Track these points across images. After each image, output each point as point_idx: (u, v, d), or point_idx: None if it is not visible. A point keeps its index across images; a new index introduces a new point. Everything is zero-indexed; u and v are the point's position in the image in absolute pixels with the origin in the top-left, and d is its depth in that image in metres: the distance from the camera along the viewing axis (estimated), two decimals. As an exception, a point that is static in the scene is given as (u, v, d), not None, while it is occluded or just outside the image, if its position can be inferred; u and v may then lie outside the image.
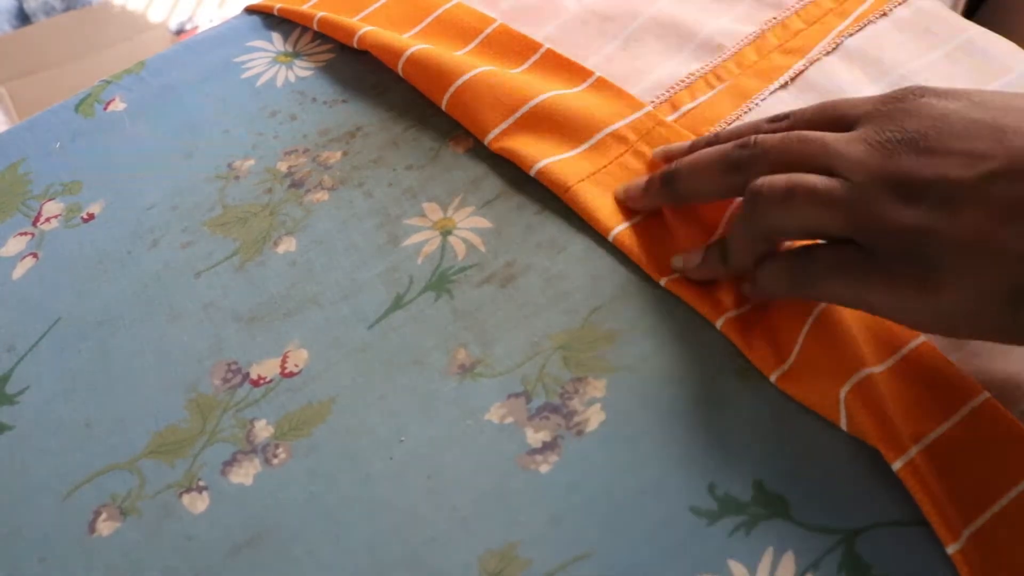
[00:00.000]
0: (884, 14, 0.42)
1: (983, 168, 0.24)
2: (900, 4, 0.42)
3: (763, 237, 0.29)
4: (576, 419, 0.30)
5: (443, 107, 0.40)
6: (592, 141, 0.37)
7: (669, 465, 0.29)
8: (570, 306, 0.33)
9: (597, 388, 0.31)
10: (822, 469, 0.28)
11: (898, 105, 0.27)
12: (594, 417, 0.30)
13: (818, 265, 0.28)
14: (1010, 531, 0.26)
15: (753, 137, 0.30)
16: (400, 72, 0.41)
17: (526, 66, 0.41)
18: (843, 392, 0.28)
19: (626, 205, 0.35)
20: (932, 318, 0.26)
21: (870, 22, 0.42)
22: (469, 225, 0.36)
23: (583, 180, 0.36)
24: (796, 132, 0.29)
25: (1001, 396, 0.28)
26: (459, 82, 0.39)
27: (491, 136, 0.38)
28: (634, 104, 0.38)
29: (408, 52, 0.41)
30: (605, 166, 0.36)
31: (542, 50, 0.41)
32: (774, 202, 0.28)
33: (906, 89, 0.28)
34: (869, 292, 0.27)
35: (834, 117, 0.29)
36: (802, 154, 0.28)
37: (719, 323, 0.31)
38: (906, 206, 0.25)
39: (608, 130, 0.37)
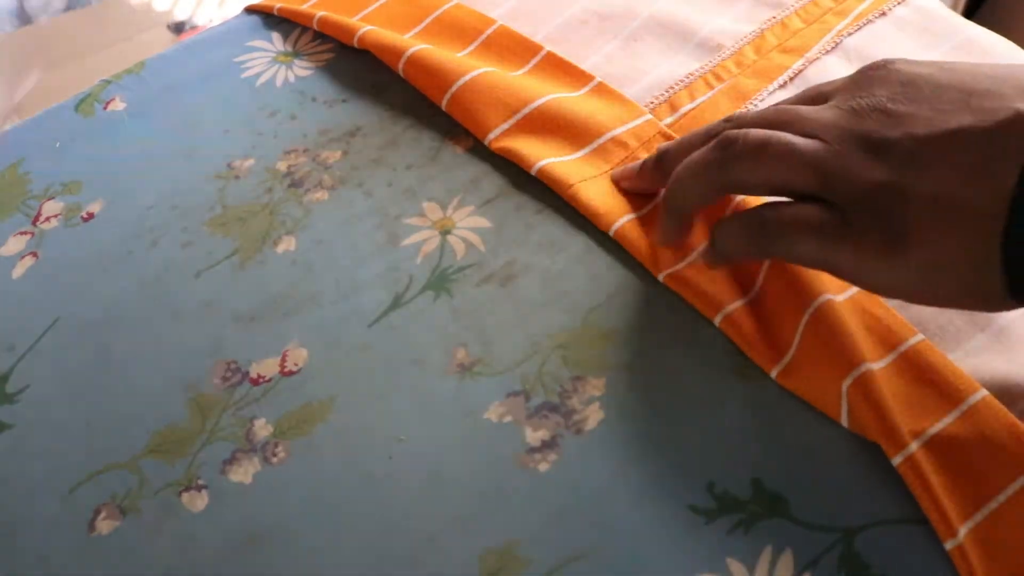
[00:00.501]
0: (883, 13, 0.42)
1: (949, 126, 0.25)
2: (899, 3, 0.42)
3: (721, 187, 0.29)
4: (575, 418, 0.30)
5: (443, 107, 0.40)
6: (593, 145, 0.37)
7: (668, 463, 0.29)
8: (569, 305, 0.33)
9: (596, 387, 0.31)
10: (821, 467, 0.28)
11: (869, 74, 0.28)
12: (593, 416, 0.30)
13: (782, 223, 0.27)
14: (1008, 528, 0.26)
15: (735, 112, 0.30)
16: (400, 72, 0.41)
17: (527, 68, 0.41)
18: (845, 385, 0.28)
19: (621, 185, 0.36)
20: (898, 281, 0.26)
21: (869, 21, 0.42)
22: (469, 225, 0.36)
23: (585, 180, 0.36)
24: (773, 106, 0.30)
25: (1000, 395, 0.28)
26: (460, 82, 0.39)
27: (492, 136, 0.38)
28: (635, 110, 0.38)
29: (408, 52, 0.41)
30: (607, 171, 0.37)
31: (543, 52, 0.41)
32: (745, 153, 0.27)
33: (878, 61, 0.28)
34: (836, 252, 0.26)
35: (813, 96, 0.30)
36: (778, 122, 0.28)
37: (717, 319, 0.31)
38: (875, 163, 0.25)
39: (609, 135, 0.37)
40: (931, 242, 0.25)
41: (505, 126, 0.38)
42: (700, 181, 0.29)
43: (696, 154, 0.29)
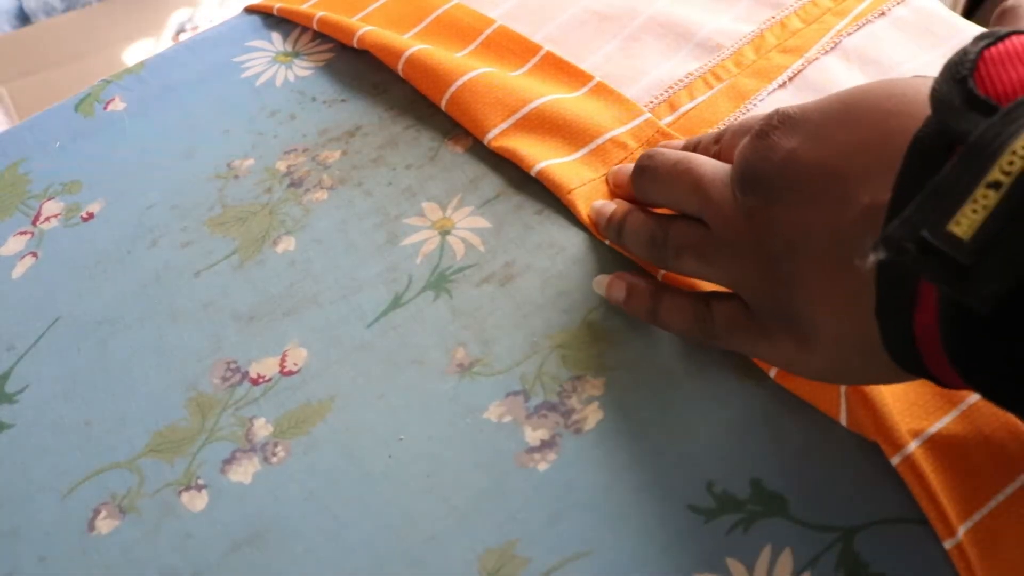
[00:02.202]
0: (883, 13, 0.42)
1: (816, 229, 0.24)
2: (899, 3, 0.42)
3: (662, 264, 0.31)
4: (574, 417, 0.30)
5: (442, 107, 0.40)
6: (592, 146, 0.37)
7: (667, 463, 0.29)
8: (568, 305, 0.33)
9: (595, 386, 0.31)
10: (820, 467, 0.28)
11: (758, 144, 0.26)
12: (592, 415, 0.30)
13: (717, 323, 0.29)
14: (1007, 527, 0.26)
15: (655, 152, 0.31)
16: (400, 72, 0.41)
17: (526, 68, 0.41)
18: (843, 387, 0.28)
19: (613, 192, 0.36)
20: (816, 375, 0.27)
21: (868, 21, 0.42)
22: (468, 225, 0.36)
23: (584, 185, 0.36)
24: (685, 159, 0.30)
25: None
26: (459, 82, 0.39)
27: (491, 135, 0.38)
28: (634, 110, 0.38)
29: (408, 52, 0.41)
30: (605, 174, 0.37)
31: (542, 52, 0.41)
32: (669, 255, 0.30)
33: (770, 116, 0.27)
34: (758, 350, 0.28)
35: (730, 145, 0.31)
36: (682, 185, 0.29)
37: None
38: (767, 277, 0.26)
39: (608, 135, 0.37)
40: (830, 348, 0.25)
41: (504, 126, 0.38)
42: (642, 253, 0.32)
43: (638, 222, 0.32)
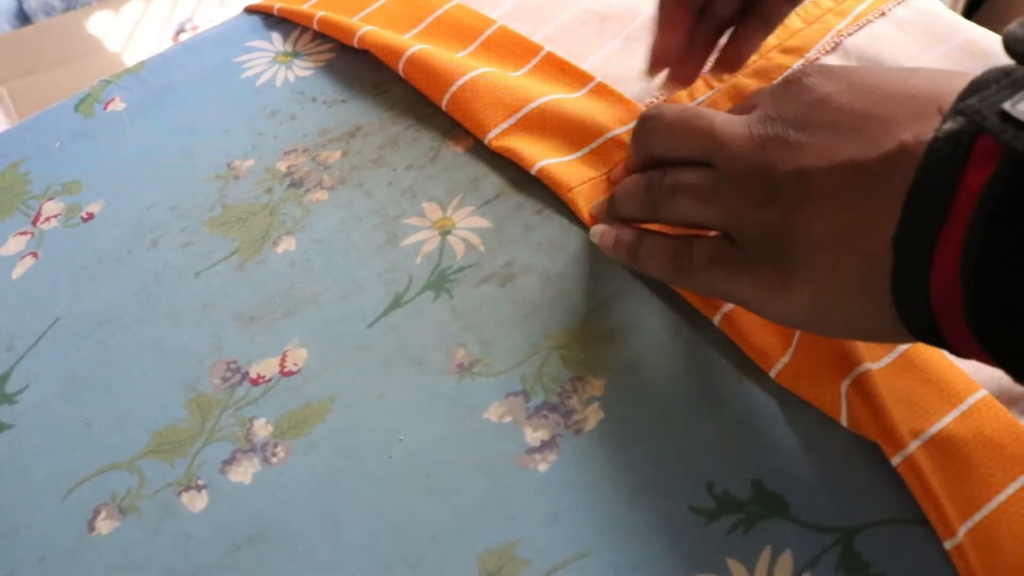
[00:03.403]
0: (883, 14, 0.42)
1: (836, 159, 0.24)
2: (899, 3, 0.42)
3: (653, 216, 0.31)
4: (575, 418, 0.30)
5: (443, 107, 0.40)
6: (593, 146, 0.37)
7: (667, 464, 0.29)
8: (569, 305, 0.33)
9: (595, 387, 0.31)
10: (820, 467, 0.28)
11: (788, 87, 0.27)
12: (592, 416, 0.30)
13: (695, 258, 0.29)
14: (1007, 527, 0.26)
15: (660, 105, 0.31)
16: (400, 72, 0.41)
17: (527, 69, 0.41)
18: (844, 386, 0.28)
19: (614, 191, 0.36)
20: (791, 314, 0.26)
21: (869, 21, 0.42)
22: (468, 225, 0.36)
23: (584, 183, 0.36)
24: (692, 108, 0.30)
25: (1000, 395, 0.28)
26: (460, 82, 0.39)
27: (492, 135, 0.38)
28: (634, 110, 0.38)
29: (408, 52, 0.41)
30: (605, 173, 0.37)
31: (542, 53, 0.41)
32: (663, 196, 0.29)
33: (803, 67, 0.28)
34: (737, 287, 0.27)
35: (747, 108, 0.30)
36: (691, 130, 0.29)
37: (716, 318, 0.31)
38: (768, 204, 0.26)
39: (609, 135, 0.37)
40: (818, 281, 0.25)
41: (505, 125, 0.38)
42: (633, 205, 0.31)
43: (630, 181, 0.32)
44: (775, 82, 0.29)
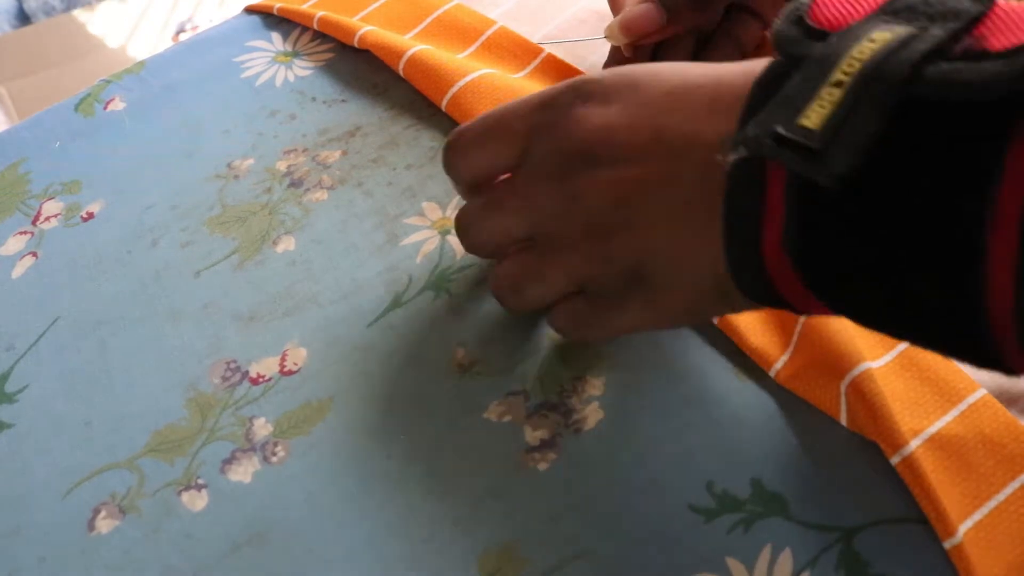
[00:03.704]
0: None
1: (653, 183, 0.25)
2: (898, 3, 0.42)
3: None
4: (574, 417, 0.30)
5: (443, 107, 0.40)
6: None
7: (667, 463, 0.29)
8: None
9: (595, 386, 0.31)
10: (820, 466, 0.28)
11: (564, 123, 0.27)
12: (592, 415, 0.30)
13: (560, 323, 0.30)
14: (1007, 527, 0.26)
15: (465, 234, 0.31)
16: (401, 72, 0.41)
17: (527, 71, 0.41)
18: (843, 385, 0.28)
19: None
20: (669, 321, 0.29)
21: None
22: (468, 224, 0.36)
23: None
24: (492, 203, 0.30)
25: (999, 394, 0.28)
26: (461, 83, 0.39)
27: None
28: None
29: (409, 52, 0.41)
30: None
31: (543, 55, 0.42)
32: (508, 293, 0.31)
33: (564, 95, 0.28)
34: (611, 325, 0.29)
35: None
36: (501, 220, 0.30)
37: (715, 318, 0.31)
38: (608, 256, 0.27)
39: None
40: (680, 291, 0.27)
41: None
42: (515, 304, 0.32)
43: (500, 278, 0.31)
44: (540, 103, 0.29)
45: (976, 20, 0.20)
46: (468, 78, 0.39)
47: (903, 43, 0.20)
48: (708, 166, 0.24)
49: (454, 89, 0.39)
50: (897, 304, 0.21)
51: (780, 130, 0.21)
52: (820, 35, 0.22)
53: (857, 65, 0.20)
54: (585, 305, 0.29)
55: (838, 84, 0.20)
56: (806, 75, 0.21)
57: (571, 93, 0.28)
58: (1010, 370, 0.20)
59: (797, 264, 0.22)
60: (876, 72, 0.20)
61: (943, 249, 0.19)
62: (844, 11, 0.22)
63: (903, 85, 0.19)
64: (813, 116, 0.20)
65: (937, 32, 0.20)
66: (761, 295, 0.24)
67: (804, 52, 0.22)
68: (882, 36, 0.20)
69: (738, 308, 0.27)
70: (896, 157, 0.20)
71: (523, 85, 0.40)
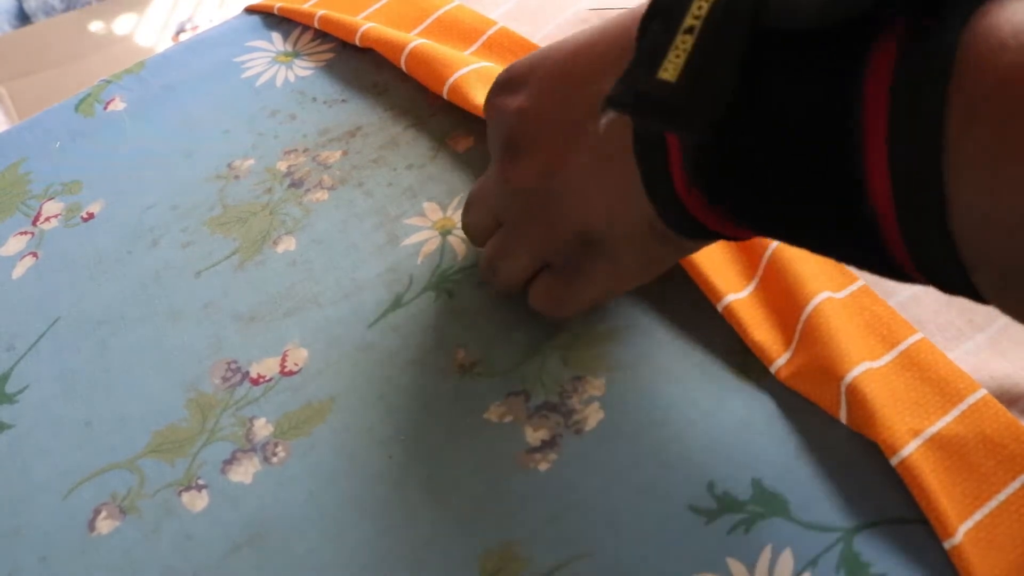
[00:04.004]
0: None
1: (575, 155, 0.27)
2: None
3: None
4: (575, 417, 0.30)
5: (444, 95, 0.39)
6: None
7: (668, 463, 0.29)
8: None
9: (596, 387, 0.31)
10: (821, 467, 0.28)
11: (490, 113, 0.30)
12: (593, 416, 0.30)
13: (538, 302, 0.31)
14: (1007, 527, 0.26)
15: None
16: (402, 66, 0.41)
17: None
18: (843, 385, 0.28)
19: None
20: (633, 278, 0.29)
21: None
22: (468, 224, 0.36)
23: None
24: (468, 210, 0.33)
25: (999, 394, 0.28)
26: (462, 71, 0.39)
27: None
28: None
29: (410, 46, 0.41)
30: None
31: None
32: (493, 279, 0.32)
33: (494, 85, 0.30)
34: (584, 295, 0.30)
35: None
36: (477, 217, 0.32)
37: (720, 306, 0.31)
38: (549, 210, 0.28)
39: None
40: (625, 241, 0.27)
41: None
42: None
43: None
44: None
45: None
46: (470, 67, 0.39)
47: None
48: (614, 124, 0.24)
49: (455, 76, 0.39)
50: (801, 217, 0.21)
51: (639, 86, 0.21)
52: None
53: (706, 6, 0.20)
54: (555, 281, 0.30)
55: (690, 30, 0.20)
56: (662, 22, 0.21)
57: (494, 87, 0.30)
58: (900, 270, 0.20)
59: (708, 196, 0.23)
60: (723, 13, 0.20)
61: (826, 158, 0.19)
62: None
63: (751, 23, 0.19)
64: (670, 68, 0.20)
65: None
66: (691, 230, 0.25)
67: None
68: None
69: (686, 249, 0.28)
70: (765, 84, 0.20)
71: None
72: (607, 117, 0.22)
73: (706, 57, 0.20)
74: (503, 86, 0.29)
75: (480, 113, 0.38)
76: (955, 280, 0.19)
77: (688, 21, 0.20)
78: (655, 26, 0.21)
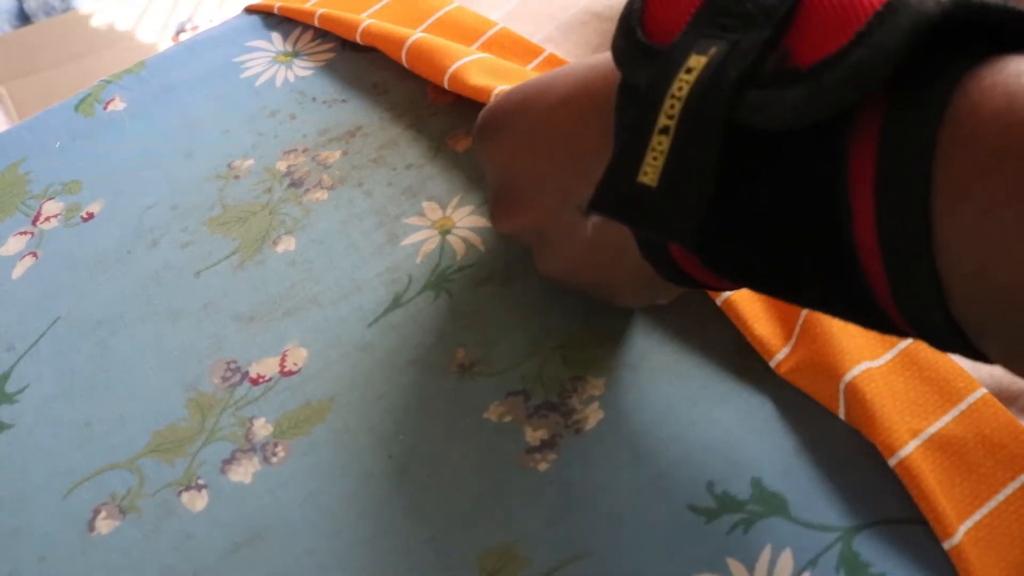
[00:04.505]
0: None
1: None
2: (899, 4, 0.42)
3: None
4: (575, 417, 0.30)
5: (446, 85, 0.39)
6: None
7: (667, 463, 0.29)
8: (569, 305, 0.33)
9: (596, 386, 0.31)
10: (821, 467, 0.28)
11: (481, 156, 0.31)
12: (593, 415, 0.30)
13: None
14: (1008, 526, 0.26)
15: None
16: (403, 60, 0.41)
17: (530, 68, 0.41)
18: (843, 384, 0.28)
19: None
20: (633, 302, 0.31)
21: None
22: (468, 224, 0.36)
23: None
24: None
25: (999, 394, 0.28)
26: (463, 60, 0.39)
27: (498, 90, 0.37)
28: None
29: (411, 39, 0.41)
30: None
31: (544, 54, 0.42)
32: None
33: (475, 129, 0.30)
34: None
35: None
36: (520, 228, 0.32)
37: (719, 300, 0.31)
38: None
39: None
40: (616, 290, 0.29)
41: (511, 87, 0.37)
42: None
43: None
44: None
45: (787, 18, 0.19)
46: (471, 57, 0.39)
47: (716, 71, 0.19)
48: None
49: (455, 66, 0.39)
50: (796, 286, 0.21)
51: (622, 189, 0.21)
52: (651, 52, 0.21)
53: (678, 106, 0.20)
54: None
55: (665, 131, 0.20)
56: (637, 118, 0.21)
57: (476, 132, 0.30)
58: (901, 332, 0.20)
59: (702, 259, 0.23)
60: (697, 113, 0.20)
61: (816, 236, 0.19)
62: (670, 18, 0.22)
63: (724, 123, 0.19)
64: (649, 172, 0.20)
65: (750, 41, 0.19)
66: (686, 282, 0.25)
67: (639, 79, 0.22)
68: (698, 62, 0.20)
69: (676, 290, 0.29)
70: (747, 171, 0.20)
71: (527, 74, 0.39)
72: (594, 218, 0.22)
73: (683, 162, 0.20)
74: (484, 132, 0.29)
75: (482, 98, 0.38)
76: (959, 348, 0.19)
77: (662, 120, 0.20)
78: (630, 114, 0.21)
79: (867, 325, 0.21)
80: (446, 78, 0.39)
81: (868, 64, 0.17)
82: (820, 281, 0.20)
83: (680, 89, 0.20)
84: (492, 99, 0.29)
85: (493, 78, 0.38)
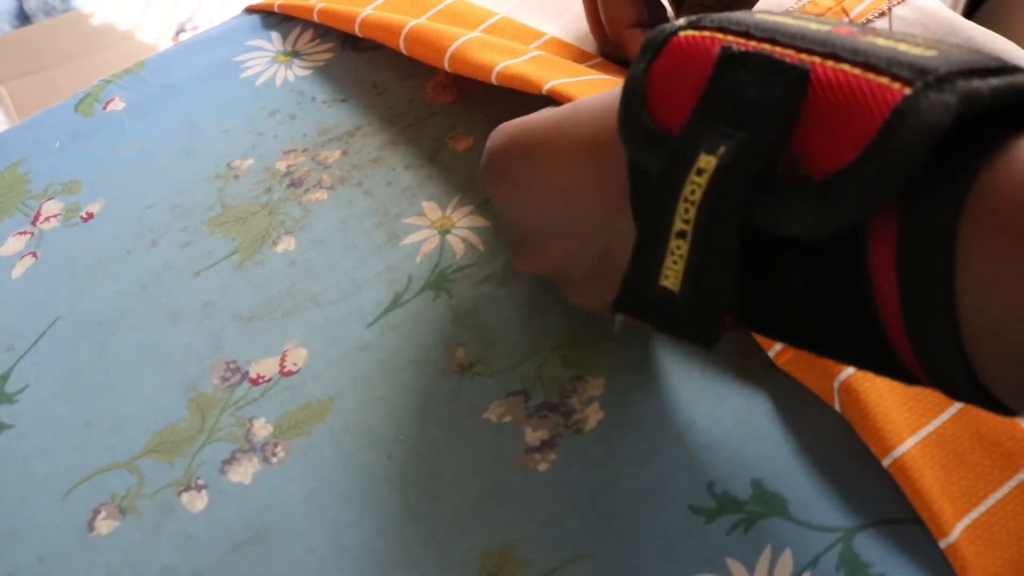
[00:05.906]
0: (883, 13, 0.42)
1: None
2: (899, 3, 0.42)
3: None
4: (575, 417, 0.30)
5: (446, 67, 0.39)
6: (595, 61, 0.39)
7: (668, 463, 0.29)
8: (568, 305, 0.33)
9: (596, 387, 0.31)
10: (820, 467, 0.28)
11: (491, 198, 0.30)
12: (592, 415, 0.30)
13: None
14: (1005, 524, 0.26)
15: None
16: (402, 47, 0.41)
17: (532, 48, 0.41)
18: (836, 383, 0.28)
19: None
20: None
21: (869, 21, 0.42)
22: (468, 224, 0.36)
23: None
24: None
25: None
26: (462, 40, 0.38)
27: (498, 68, 0.36)
28: None
29: (409, 26, 0.40)
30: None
31: (546, 37, 0.42)
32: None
33: (480, 175, 0.29)
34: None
35: None
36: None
37: None
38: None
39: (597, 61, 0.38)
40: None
41: (512, 62, 0.37)
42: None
43: None
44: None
45: (794, 112, 0.19)
46: (469, 35, 0.39)
47: (728, 175, 0.19)
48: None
49: (454, 46, 0.38)
50: (821, 344, 0.22)
51: (646, 294, 0.21)
52: (658, 138, 0.21)
53: (692, 211, 0.20)
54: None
55: (682, 235, 0.20)
56: (653, 219, 0.21)
57: (481, 171, 0.29)
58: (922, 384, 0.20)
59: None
60: (712, 221, 0.20)
61: (841, 310, 0.20)
62: (674, 99, 0.21)
63: (740, 228, 0.19)
64: (671, 276, 0.21)
65: (760, 144, 0.19)
66: None
67: (648, 166, 0.21)
68: (708, 163, 0.20)
69: None
70: (770, 261, 0.20)
71: (528, 50, 0.39)
72: (620, 319, 0.24)
73: (703, 269, 0.20)
74: (491, 174, 0.28)
75: (484, 77, 0.37)
76: (993, 409, 0.19)
77: (678, 224, 0.20)
78: (644, 212, 0.22)
79: (889, 376, 0.21)
80: (446, 58, 0.38)
81: (882, 178, 0.17)
82: (852, 357, 0.21)
83: (693, 193, 0.20)
84: (494, 137, 0.28)
85: (496, 54, 0.37)
